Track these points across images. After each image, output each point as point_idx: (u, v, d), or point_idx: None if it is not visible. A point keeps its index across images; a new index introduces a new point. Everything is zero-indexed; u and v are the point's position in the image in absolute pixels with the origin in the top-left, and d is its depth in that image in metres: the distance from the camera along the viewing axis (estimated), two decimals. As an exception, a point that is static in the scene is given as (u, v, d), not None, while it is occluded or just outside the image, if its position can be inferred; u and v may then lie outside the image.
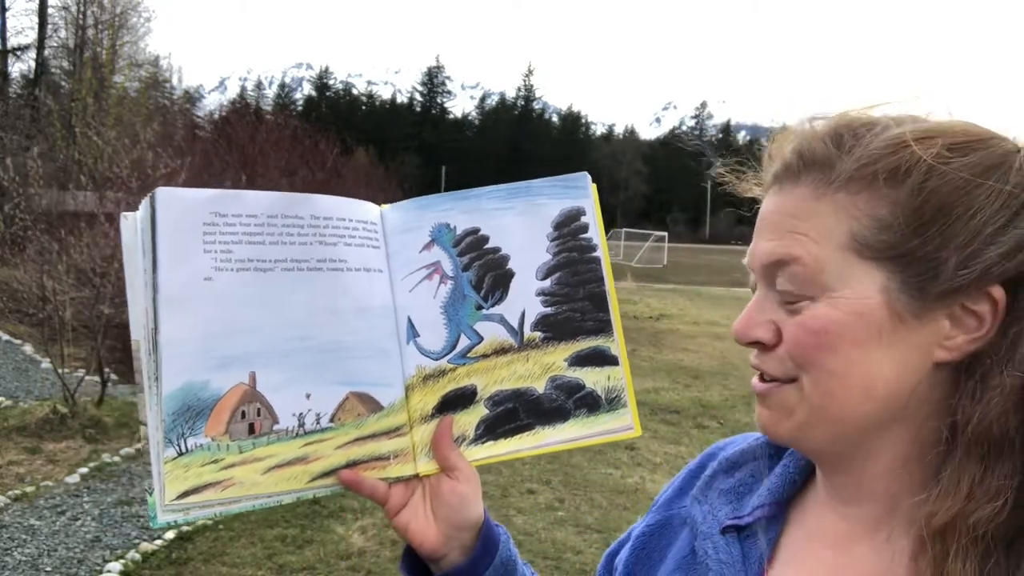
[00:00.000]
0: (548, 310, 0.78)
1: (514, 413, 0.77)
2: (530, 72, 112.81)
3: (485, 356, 0.77)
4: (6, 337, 8.80)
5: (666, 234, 40.64)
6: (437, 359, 0.77)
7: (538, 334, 0.78)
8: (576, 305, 0.78)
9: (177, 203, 0.67)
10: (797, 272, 0.60)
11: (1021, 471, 0.55)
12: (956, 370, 0.59)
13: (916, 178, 0.57)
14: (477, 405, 0.77)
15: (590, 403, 0.78)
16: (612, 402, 0.78)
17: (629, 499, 5.06)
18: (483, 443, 0.77)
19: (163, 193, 0.67)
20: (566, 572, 4.03)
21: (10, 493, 4.55)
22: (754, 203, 0.69)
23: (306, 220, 0.72)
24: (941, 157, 0.57)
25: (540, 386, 0.77)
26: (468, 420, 0.77)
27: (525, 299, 0.78)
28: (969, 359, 0.58)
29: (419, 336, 0.77)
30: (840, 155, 0.60)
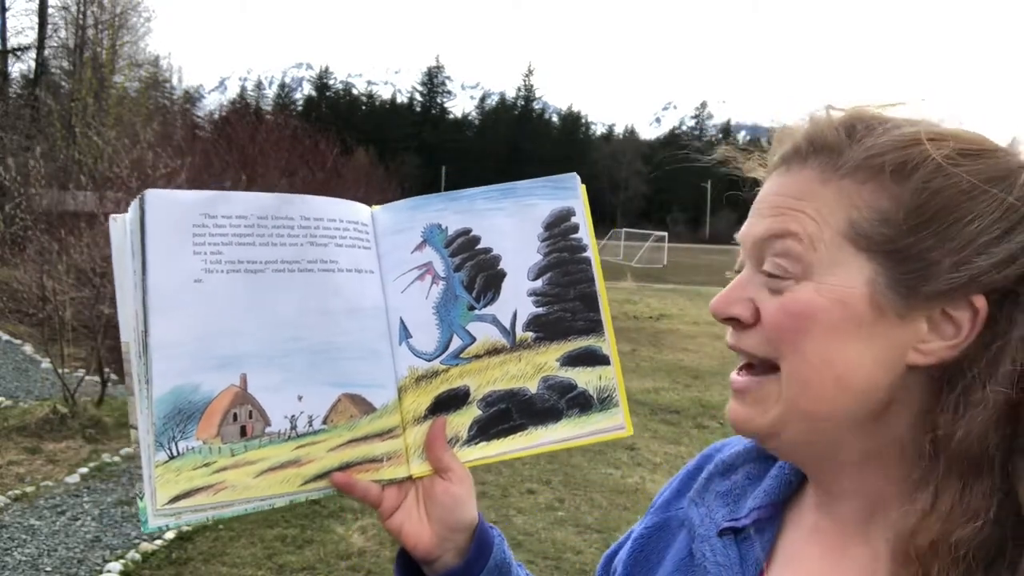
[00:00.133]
0: (540, 310, 0.78)
1: (507, 414, 0.77)
2: (530, 72, 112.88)
3: (478, 357, 0.77)
4: (6, 337, 8.80)
5: (666, 234, 40.64)
6: (430, 360, 0.77)
7: (530, 334, 0.78)
8: (567, 305, 0.78)
9: (167, 205, 0.67)
10: (789, 247, 0.60)
11: (1000, 489, 0.54)
12: (936, 380, 0.58)
13: (922, 175, 0.57)
14: (470, 406, 0.77)
15: (582, 403, 0.78)
16: (604, 402, 0.78)
17: (629, 499, 5.06)
18: (476, 444, 0.77)
19: (152, 195, 0.67)
20: (566, 572, 4.03)
21: (10, 493, 4.55)
22: (755, 187, 0.69)
23: (296, 221, 0.71)
24: (951, 159, 0.57)
25: (533, 386, 0.77)
26: (461, 421, 0.76)
27: (517, 299, 0.78)
28: (948, 370, 0.57)
29: (411, 337, 0.76)
30: (850, 144, 0.60)
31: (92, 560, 3.87)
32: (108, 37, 23.24)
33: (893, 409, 0.59)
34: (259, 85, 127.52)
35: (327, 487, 0.72)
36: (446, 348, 0.77)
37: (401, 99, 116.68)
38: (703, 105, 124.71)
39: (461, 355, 0.77)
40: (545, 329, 0.78)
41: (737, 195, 0.73)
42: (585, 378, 0.78)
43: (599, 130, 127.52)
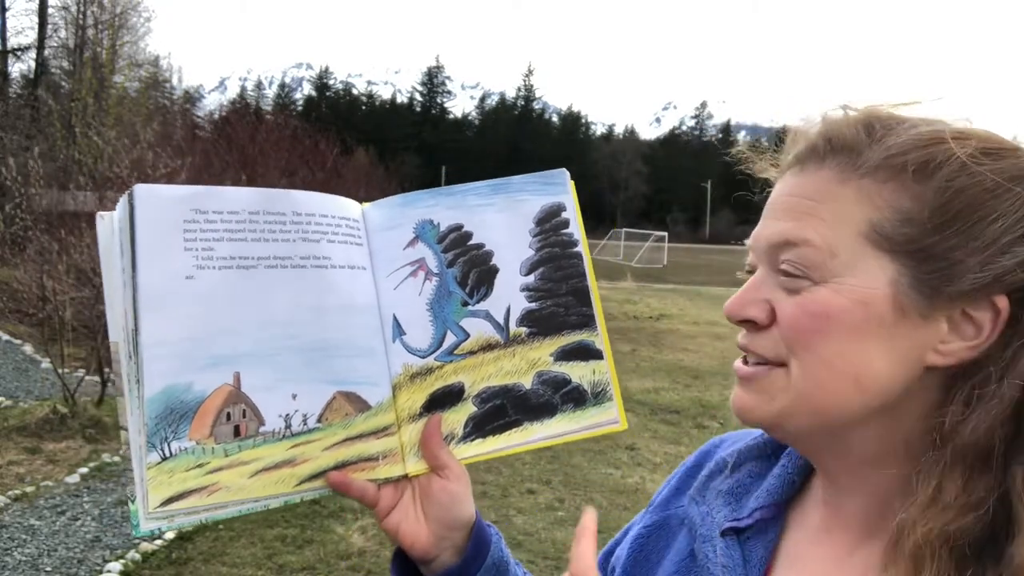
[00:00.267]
0: (533, 305, 0.78)
1: (502, 410, 0.77)
2: (530, 72, 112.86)
3: (472, 353, 0.77)
4: (6, 337, 8.79)
5: (666, 234, 40.64)
6: (424, 357, 0.76)
7: (523, 329, 0.78)
8: (560, 300, 0.78)
9: (156, 200, 0.66)
10: (806, 254, 0.59)
11: (1001, 483, 0.54)
12: (948, 376, 0.58)
13: (946, 174, 0.57)
14: (465, 402, 0.76)
15: (576, 397, 0.77)
16: (598, 396, 0.78)
17: (629, 499, 5.05)
18: (472, 441, 0.76)
19: (142, 190, 0.65)
20: (565, 572, 4.03)
21: (10, 493, 4.55)
22: (761, 190, 0.68)
23: (288, 216, 0.70)
24: (974, 157, 0.57)
25: (527, 382, 0.77)
26: (456, 418, 0.76)
27: (510, 295, 0.78)
28: (964, 368, 0.57)
29: (405, 334, 0.76)
30: (870, 143, 0.60)
31: (92, 560, 3.87)
32: (108, 37, 23.23)
33: (905, 408, 0.59)
34: (259, 85, 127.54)
35: (322, 487, 0.71)
36: (440, 344, 0.76)
37: (401, 99, 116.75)
38: (703, 105, 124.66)
39: (455, 351, 0.77)
40: (538, 324, 0.78)
41: (742, 196, 0.72)
42: (579, 372, 0.78)
43: (599, 130, 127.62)
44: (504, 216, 0.78)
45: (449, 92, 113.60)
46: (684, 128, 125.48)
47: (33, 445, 5.36)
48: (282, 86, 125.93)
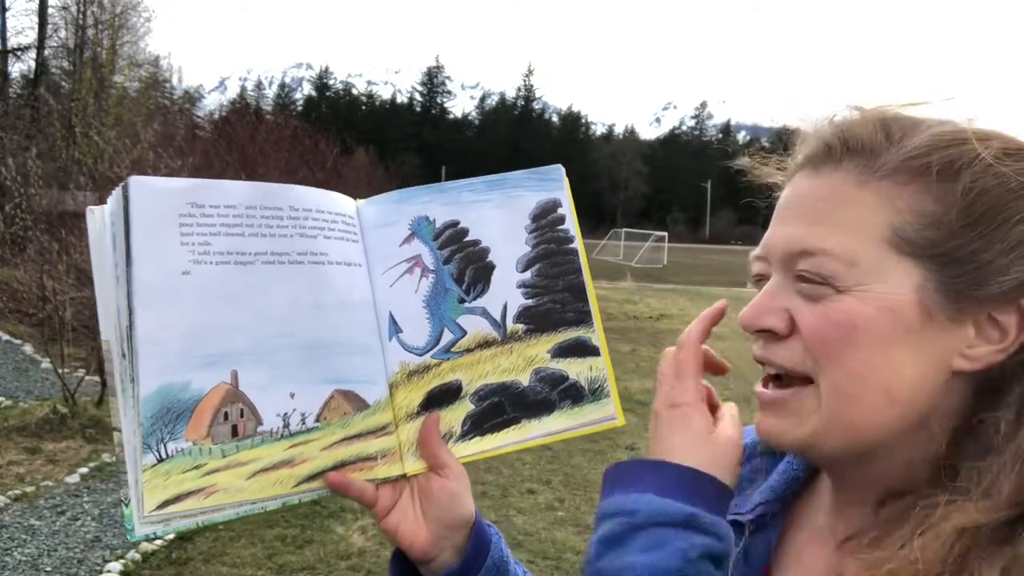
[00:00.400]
0: (529, 302, 0.77)
1: (500, 407, 0.76)
2: (530, 72, 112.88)
3: (469, 350, 0.76)
4: (6, 337, 8.78)
5: (666, 234, 40.62)
6: (421, 355, 0.75)
7: (520, 326, 0.77)
8: (557, 296, 0.78)
9: (152, 193, 0.63)
10: (825, 264, 0.57)
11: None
12: (977, 383, 0.57)
13: (971, 175, 0.56)
14: (463, 400, 0.76)
15: (574, 394, 0.77)
16: (595, 392, 0.77)
17: (629, 498, 5.04)
18: (470, 439, 0.76)
19: (136, 182, 0.63)
20: (566, 572, 4.02)
21: (10, 493, 4.54)
22: (762, 195, 0.67)
23: (285, 212, 0.69)
24: (998, 158, 0.56)
25: (525, 379, 0.76)
26: (454, 416, 0.75)
27: (507, 291, 0.77)
28: (991, 372, 0.56)
29: (402, 332, 0.75)
30: (888, 144, 0.58)
31: (92, 560, 3.86)
32: (108, 37, 23.20)
33: (932, 415, 0.58)
34: (259, 85, 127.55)
35: (320, 488, 0.69)
36: (437, 342, 0.76)
37: (401, 99, 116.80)
38: (703, 105, 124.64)
39: (452, 349, 0.76)
40: (535, 321, 0.77)
41: (742, 196, 0.71)
42: (576, 369, 0.77)
43: (599, 130, 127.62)
44: (500, 212, 0.78)
45: (449, 92, 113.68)
46: (684, 128, 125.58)
47: (33, 445, 5.35)
48: (282, 86, 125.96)
